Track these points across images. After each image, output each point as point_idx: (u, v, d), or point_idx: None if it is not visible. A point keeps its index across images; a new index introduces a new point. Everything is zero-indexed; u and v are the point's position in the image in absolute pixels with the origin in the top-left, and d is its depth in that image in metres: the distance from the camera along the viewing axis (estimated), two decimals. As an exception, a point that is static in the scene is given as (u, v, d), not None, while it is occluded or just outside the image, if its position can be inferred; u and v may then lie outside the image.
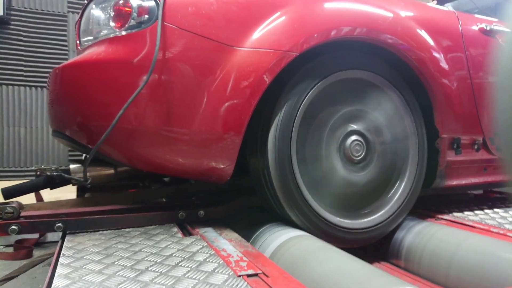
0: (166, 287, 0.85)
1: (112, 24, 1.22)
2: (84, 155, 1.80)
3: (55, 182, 1.43)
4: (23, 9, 3.01)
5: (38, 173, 1.46)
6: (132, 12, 1.19)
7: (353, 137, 1.41)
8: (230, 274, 0.93)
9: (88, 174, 1.36)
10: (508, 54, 0.59)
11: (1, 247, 2.54)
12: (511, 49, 0.60)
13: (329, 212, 1.37)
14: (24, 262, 2.16)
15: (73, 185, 1.41)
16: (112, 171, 1.42)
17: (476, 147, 1.68)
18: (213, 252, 1.09)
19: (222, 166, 1.26)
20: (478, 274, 1.16)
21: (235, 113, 1.21)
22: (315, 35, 1.28)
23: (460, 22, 1.67)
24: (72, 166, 1.35)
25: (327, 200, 1.38)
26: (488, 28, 1.74)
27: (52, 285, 0.85)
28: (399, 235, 1.49)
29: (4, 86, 2.96)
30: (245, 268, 0.97)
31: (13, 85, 2.99)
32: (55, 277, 0.90)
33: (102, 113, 1.20)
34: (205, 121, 1.20)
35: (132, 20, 1.19)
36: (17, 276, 1.80)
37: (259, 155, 1.34)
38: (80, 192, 2.06)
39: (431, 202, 1.88)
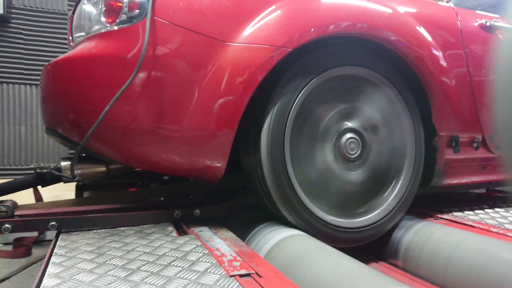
0: (157, 287, 0.84)
1: (103, 19, 1.21)
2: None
3: (46, 180, 1.42)
4: (23, 7, 3.01)
5: (38, 171, 1.46)
6: (123, 7, 1.18)
7: (349, 135, 1.39)
8: (222, 274, 0.92)
9: (80, 171, 1.35)
10: (509, 50, 0.57)
11: (1, 245, 2.55)
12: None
13: (323, 210, 1.35)
14: (23, 260, 2.17)
15: (64, 182, 1.40)
16: (104, 168, 1.41)
17: (475, 145, 1.66)
18: (207, 251, 1.07)
19: (215, 164, 1.24)
20: (476, 275, 1.15)
21: (227, 110, 1.19)
22: (312, 29, 1.27)
23: (459, 18, 1.65)
24: (63, 163, 1.34)
25: (321, 198, 1.37)
26: (488, 24, 1.71)
27: (42, 284, 0.84)
28: (397, 234, 1.48)
29: (4, 84, 2.97)
30: (238, 268, 0.96)
31: (13, 83, 3.00)
32: (45, 276, 0.89)
33: (93, 109, 1.17)
34: (197, 118, 1.19)
35: (123, 15, 1.18)
36: (13, 275, 1.80)
37: (252, 152, 1.32)
38: (78, 191, 2.06)
39: (432, 202, 1.86)
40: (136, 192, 1.79)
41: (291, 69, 1.30)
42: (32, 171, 1.46)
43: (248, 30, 1.22)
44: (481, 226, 1.45)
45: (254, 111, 1.32)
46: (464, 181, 1.68)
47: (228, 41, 1.20)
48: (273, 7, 1.26)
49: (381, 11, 1.41)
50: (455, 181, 1.65)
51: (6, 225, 1.21)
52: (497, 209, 1.73)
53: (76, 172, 1.32)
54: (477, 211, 1.69)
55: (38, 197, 2.10)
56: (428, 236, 1.37)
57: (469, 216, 1.61)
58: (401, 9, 1.48)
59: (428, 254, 1.31)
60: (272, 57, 1.21)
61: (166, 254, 1.05)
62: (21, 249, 2.32)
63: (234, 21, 1.22)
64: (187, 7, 1.18)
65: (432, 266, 1.28)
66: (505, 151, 0.58)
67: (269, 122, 1.27)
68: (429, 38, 1.50)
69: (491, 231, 1.39)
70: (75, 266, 0.95)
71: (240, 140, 1.35)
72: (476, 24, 1.71)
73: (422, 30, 1.49)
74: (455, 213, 1.65)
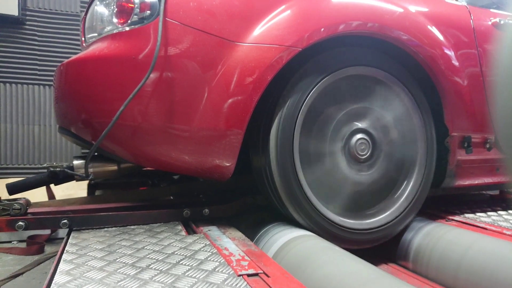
0: (165, 285, 0.85)
1: (115, 20, 1.22)
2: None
3: (58, 178, 1.44)
4: (37, 9, 3.06)
5: (51, 169, 1.48)
6: (134, 8, 1.19)
7: (359, 136, 1.38)
8: (230, 273, 0.92)
9: (92, 170, 1.37)
10: (509, 47, 0.55)
11: (15, 242, 2.60)
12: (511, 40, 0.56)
13: (332, 211, 1.34)
14: (36, 257, 2.21)
15: (77, 181, 1.42)
16: (115, 167, 1.43)
17: (488, 146, 1.63)
18: (215, 250, 1.08)
19: (224, 163, 1.25)
20: (488, 277, 1.13)
21: (237, 110, 1.20)
22: (322, 29, 1.26)
23: (472, 17, 1.62)
24: (75, 162, 1.36)
25: (331, 199, 1.36)
26: (502, 22, 1.68)
27: (53, 281, 0.86)
28: (407, 236, 1.46)
29: (19, 85, 3.02)
30: (246, 267, 0.96)
31: (27, 84, 3.05)
32: (56, 273, 0.91)
33: (105, 109, 1.19)
34: (207, 118, 1.19)
35: (134, 16, 1.19)
36: (25, 272, 1.83)
37: (261, 152, 1.32)
38: (90, 189, 2.08)
39: (443, 203, 1.84)
40: (147, 191, 1.81)
41: (301, 69, 1.30)
42: (45, 170, 1.48)
43: (258, 30, 1.22)
44: (493, 228, 1.42)
45: (264, 111, 1.32)
46: (476, 182, 1.65)
47: (238, 41, 1.20)
48: (283, 6, 1.26)
49: (392, 10, 1.40)
50: (467, 182, 1.62)
51: (20, 223, 1.23)
52: (511, 211, 1.69)
53: (88, 170, 1.34)
54: (489, 213, 1.66)
55: (51, 196, 2.14)
56: (439, 237, 1.35)
57: (482, 218, 1.58)
58: (413, 8, 1.46)
59: (439, 256, 1.29)
60: (282, 57, 1.21)
61: (175, 252, 1.06)
62: (34, 246, 2.36)
63: (244, 21, 1.22)
64: (197, 8, 1.19)
65: (443, 268, 1.27)
66: (506, 150, 0.56)
67: (279, 122, 1.27)
68: (441, 37, 1.48)
69: (504, 234, 1.37)
70: (86, 263, 0.97)
71: (249, 140, 1.36)
72: (489, 22, 1.68)
73: (434, 29, 1.48)
74: (466, 215, 1.63)
